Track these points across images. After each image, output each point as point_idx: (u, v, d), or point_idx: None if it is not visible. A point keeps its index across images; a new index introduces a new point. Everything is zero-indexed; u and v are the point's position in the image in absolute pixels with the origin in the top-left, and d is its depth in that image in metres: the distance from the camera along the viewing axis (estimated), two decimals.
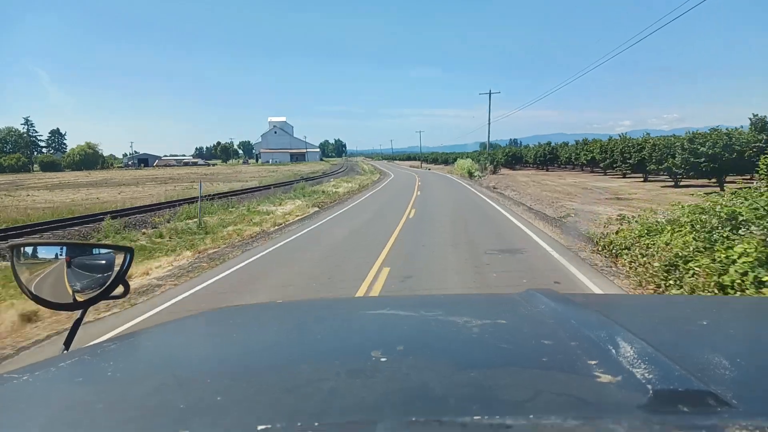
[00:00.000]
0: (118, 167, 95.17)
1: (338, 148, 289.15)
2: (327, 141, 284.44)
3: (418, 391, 0.55)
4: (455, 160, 79.27)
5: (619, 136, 30.99)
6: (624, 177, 29.49)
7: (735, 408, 0.46)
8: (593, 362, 0.59)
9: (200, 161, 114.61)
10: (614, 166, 30.09)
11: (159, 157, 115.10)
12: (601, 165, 32.53)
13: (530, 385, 0.56)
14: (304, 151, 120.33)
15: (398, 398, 0.53)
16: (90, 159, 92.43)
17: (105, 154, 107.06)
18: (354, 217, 14.40)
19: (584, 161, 36.71)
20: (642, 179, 26.52)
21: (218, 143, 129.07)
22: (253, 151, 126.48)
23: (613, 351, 0.61)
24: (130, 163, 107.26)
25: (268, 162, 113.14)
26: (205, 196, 15.85)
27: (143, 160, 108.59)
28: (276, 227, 12.67)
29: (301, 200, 17.95)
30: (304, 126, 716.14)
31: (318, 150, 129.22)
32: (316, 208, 16.17)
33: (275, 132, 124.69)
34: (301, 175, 50.35)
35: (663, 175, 26.04)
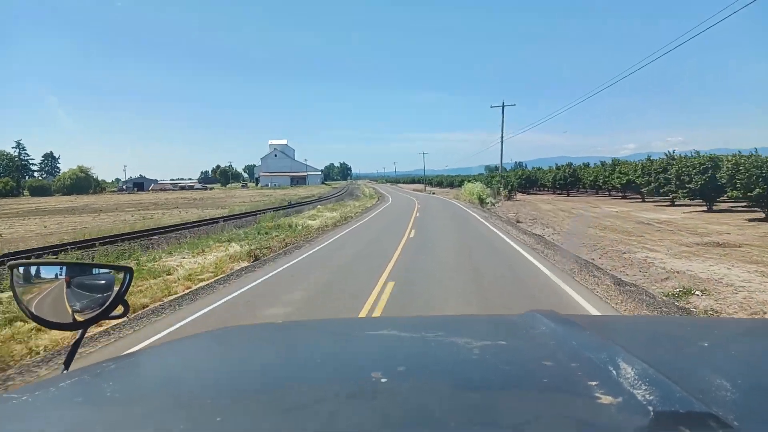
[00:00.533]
0: (110, 191, 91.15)
1: (343, 172, 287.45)
2: (332, 164, 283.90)
3: (418, 413, 0.54)
4: (461, 183, 73.77)
5: (665, 154, 25.39)
6: (673, 205, 23.74)
7: (736, 430, 0.46)
8: (594, 383, 0.58)
9: (198, 185, 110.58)
10: (660, 191, 24.36)
11: (155, 181, 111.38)
12: (644, 190, 26.77)
13: (531, 407, 0.56)
14: (305, 174, 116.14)
15: (398, 420, 0.53)
16: (81, 183, 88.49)
17: (101, 177, 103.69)
18: (281, 291, 7.61)
19: (616, 185, 31.00)
20: (705, 208, 20.72)
21: (218, 167, 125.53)
22: (255, 174, 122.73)
23: (614, 372, 0.60)
24: (124, 187, 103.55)
25: (267, 186, 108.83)
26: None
27: (138, 184, 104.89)
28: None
29: (238, 246, 12.23)
30: (308, 149, 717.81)
31: (319, 173, 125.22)
32: (245, 263, 10.36)
33: (275, 155, 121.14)
34: (291, 200, 47.57)
35: (730, 202, 20.27)
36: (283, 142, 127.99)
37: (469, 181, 54.46)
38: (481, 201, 33.74)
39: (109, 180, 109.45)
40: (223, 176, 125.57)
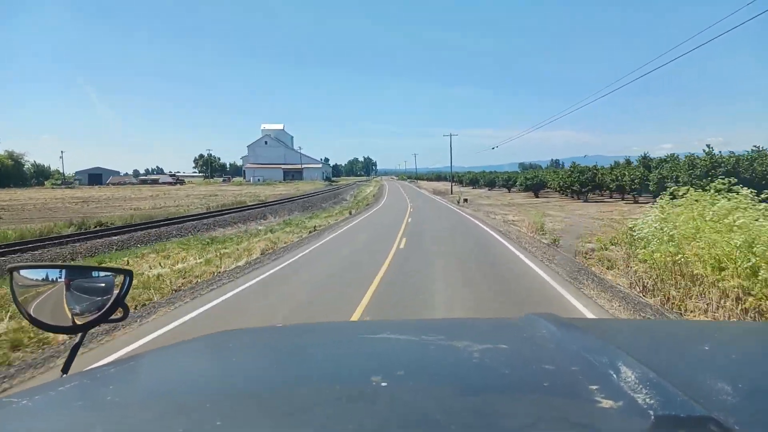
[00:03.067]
0: (53, 185, 72.34)
1: (367, 166, 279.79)
2: (356, 158, 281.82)
3: (418, 416, 0.55)
4: (512, 179, 51.53)
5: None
6: None
7: None
8: (594, 387, 0.58)
9: (168, 178, 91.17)
10: None
11: (117, 173, 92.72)
12: None
13: (531, 411, 0.56)
14: (301, 167, 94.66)
15: (398, 424, 0.53)
16: (9, 172, 70.15)
17: (55, 167, 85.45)
18: None
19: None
20: None
21: (200, 156, 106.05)
22: (242, 166, 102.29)
23: (615, 376, 0.60)
24: (75, 180, 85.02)
25: (251, 180, 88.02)
26: None
27: (95, 176, 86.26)
28: None
29: None
30: (335, 146, 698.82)
31: (319, 166, 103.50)
32: None
33: (266, 142, 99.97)
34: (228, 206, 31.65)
35: None
36: (279, 126, 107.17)
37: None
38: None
39: (69, 172, 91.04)
40: (207, 167, 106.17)
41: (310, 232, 16.53)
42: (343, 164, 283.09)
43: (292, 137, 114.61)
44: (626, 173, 27.65)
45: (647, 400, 0.52)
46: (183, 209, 28.89)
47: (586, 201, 31.09)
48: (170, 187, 70.89)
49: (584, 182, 31.92)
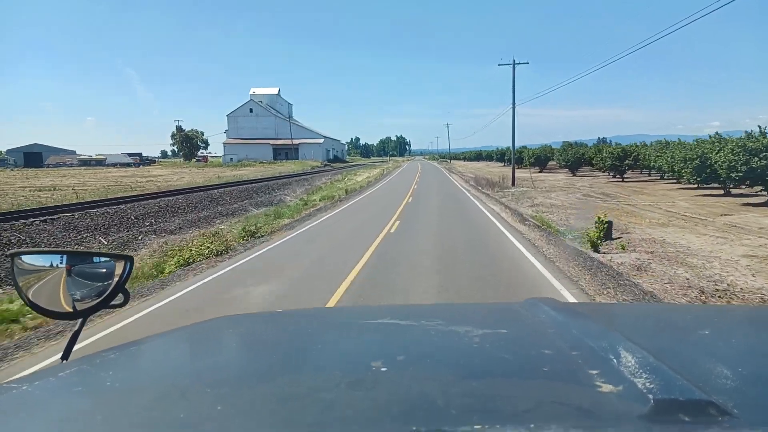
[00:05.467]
0: None
1: (400, 146, 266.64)
2: (388, 138, 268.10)
3: (418, 401, 0.55)
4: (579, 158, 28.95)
5: None
6: None
7: (736, 417, 0.46)
8: (594, 372, 0.58)
9: (128, 159, 71.65)
10: None
11: (65, 151, 74.17)
12: None
13: (531, 395, 0.57)
14: (296, 143, 72.28)
15: (398, 409, 0.53)
16: None
17: None
18: None
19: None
20: None
21: (179, 129, 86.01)
22: (225, 141, 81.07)
23: (614, 360, 0.60)
24: (9, 159, 67.14)
25: (230, 160, 67.26)
26: None
27: (33, 156, 68.03)
28: None
29: None
30: (370, 125, 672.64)
31: (320, 141, 79.93)
32: None
33: (250, 110, 78.02)
34: None
35: None
36: (272, 91, 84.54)
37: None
38: None
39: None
40: (185, 145, 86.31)
41: None
42: (375, 143, 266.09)
43: (290, 105, 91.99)
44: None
45: (647, 384, 0.52)
46: None
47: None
48: (101, 170, 51.06)
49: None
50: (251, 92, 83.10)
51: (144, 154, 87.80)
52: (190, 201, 17.79)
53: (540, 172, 38.06)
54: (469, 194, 20.54)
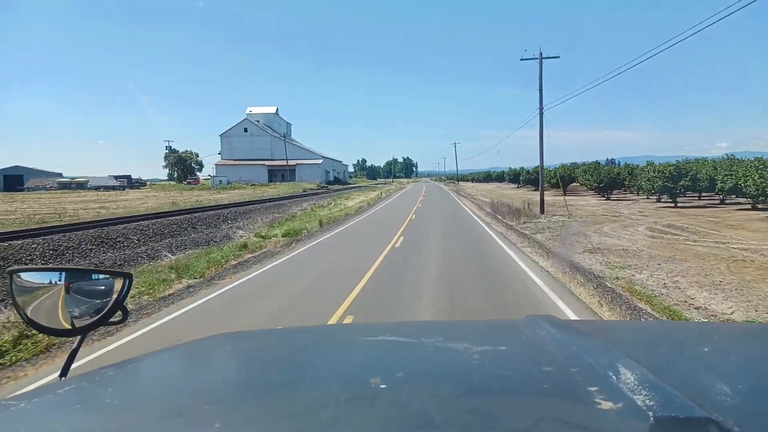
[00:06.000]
0: None
1: (407, 167, 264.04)
2: (395, 159, 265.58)
3: (417, 418, 0.55)
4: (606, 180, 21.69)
5: None
6: None
7: None
8: (594, 389, 0.58)
9: (114, 182, 67.51)
10: None
11: (49, 174, 70.24)
12: None
13: (531, 412, 0.56)
14: (292, 164, 67.59)
15: (398, 426, 0.53)
16: None
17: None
18: None
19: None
20: None
21: (170, 152, 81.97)
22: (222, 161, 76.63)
23: (614, 378, 0.60)
24: None
25: (220, 183, 62.88)
26: None
27: (13, 179, 64.13)
28: None
29: None
30: (376, 148, 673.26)
31: (319, 161, 75.12)
32: None
33: (245, 130, 73.84)
34: None
35: None
36: (269, 110, 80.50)
37: None
38: None
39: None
40: (178, 167, 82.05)
41: None
42: (381, 165, 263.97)
43: (288, 124, 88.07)
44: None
45: (647, 401, 0.52)
46: None
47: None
48: (78, 193, 46.71)
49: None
50: (247, 111, 79.19)
51: (140, 177, 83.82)
52: (87, 239, 12.53)
53: (564, 194, 32.52)
54: (488, 229, 14.49)
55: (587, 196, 32.01)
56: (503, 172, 78.35)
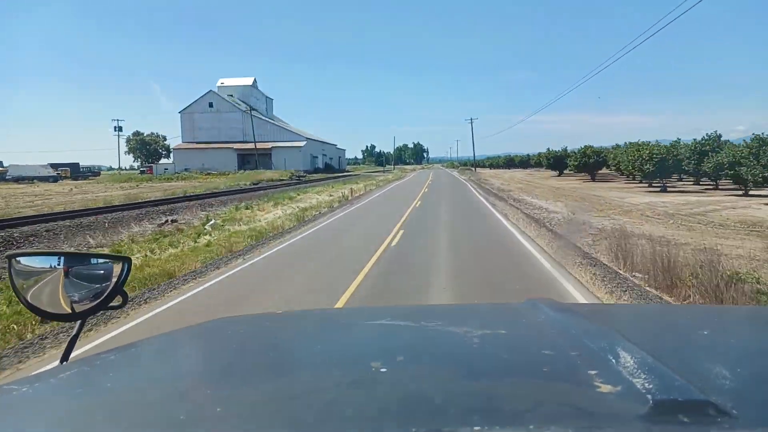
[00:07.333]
0: None
1: (417, 153, 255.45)
2: (405, 145, 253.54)
3: (418, 401, 0.55)
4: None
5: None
6: None
7: (735, 418, 0.46)
8: (593, 372, 0.59)
9: (48, 171, 54.83)
10: None
11: None
12: None
13: (531, 396, 0.57)
14: (269, 146, 54.03)
15: (398, 409, 0.54)
16: None
17: None
18: None
19: None
20: None
21: (137, 134, 69.22)
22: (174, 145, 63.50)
23: (614, 361, 0.61)
24: None
25: (165, 171, 49.92)
26: None
27: None
28: None
29: None
30: (387, 133, 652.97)
31: (302, 143, 60.96)
32: None
33: (210, 104, 59.99)
34: None
35: None
36: (245, 81, 67.09)
37: None
38: None
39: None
40: (142, 148, 69.37)
41: None
42: (391, 152, 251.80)
43: (269, 99, 73.90)
44: None
45: (646, 384, 0.52)
46: None
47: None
48: None
49: None
50: (219, 83, 65.54)
51: (95, 165, 71.51)
52: None
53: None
54: None
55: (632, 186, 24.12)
56: (531, 157, 63.82)
